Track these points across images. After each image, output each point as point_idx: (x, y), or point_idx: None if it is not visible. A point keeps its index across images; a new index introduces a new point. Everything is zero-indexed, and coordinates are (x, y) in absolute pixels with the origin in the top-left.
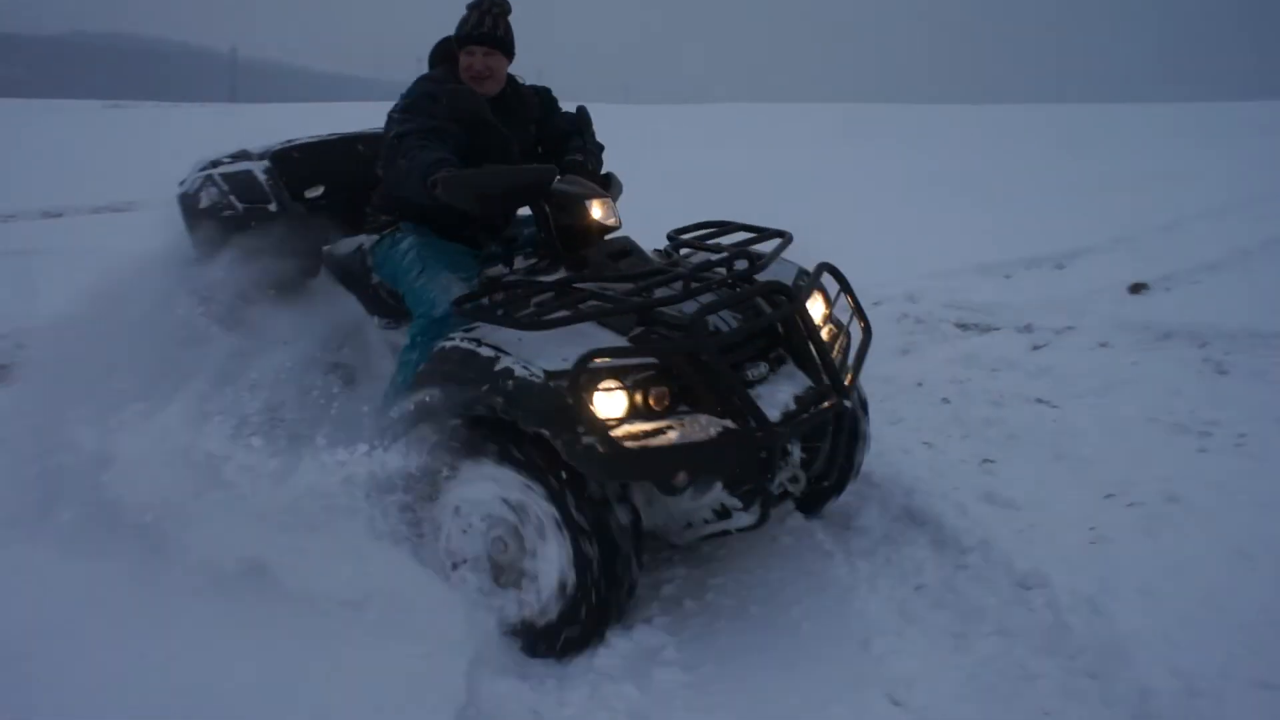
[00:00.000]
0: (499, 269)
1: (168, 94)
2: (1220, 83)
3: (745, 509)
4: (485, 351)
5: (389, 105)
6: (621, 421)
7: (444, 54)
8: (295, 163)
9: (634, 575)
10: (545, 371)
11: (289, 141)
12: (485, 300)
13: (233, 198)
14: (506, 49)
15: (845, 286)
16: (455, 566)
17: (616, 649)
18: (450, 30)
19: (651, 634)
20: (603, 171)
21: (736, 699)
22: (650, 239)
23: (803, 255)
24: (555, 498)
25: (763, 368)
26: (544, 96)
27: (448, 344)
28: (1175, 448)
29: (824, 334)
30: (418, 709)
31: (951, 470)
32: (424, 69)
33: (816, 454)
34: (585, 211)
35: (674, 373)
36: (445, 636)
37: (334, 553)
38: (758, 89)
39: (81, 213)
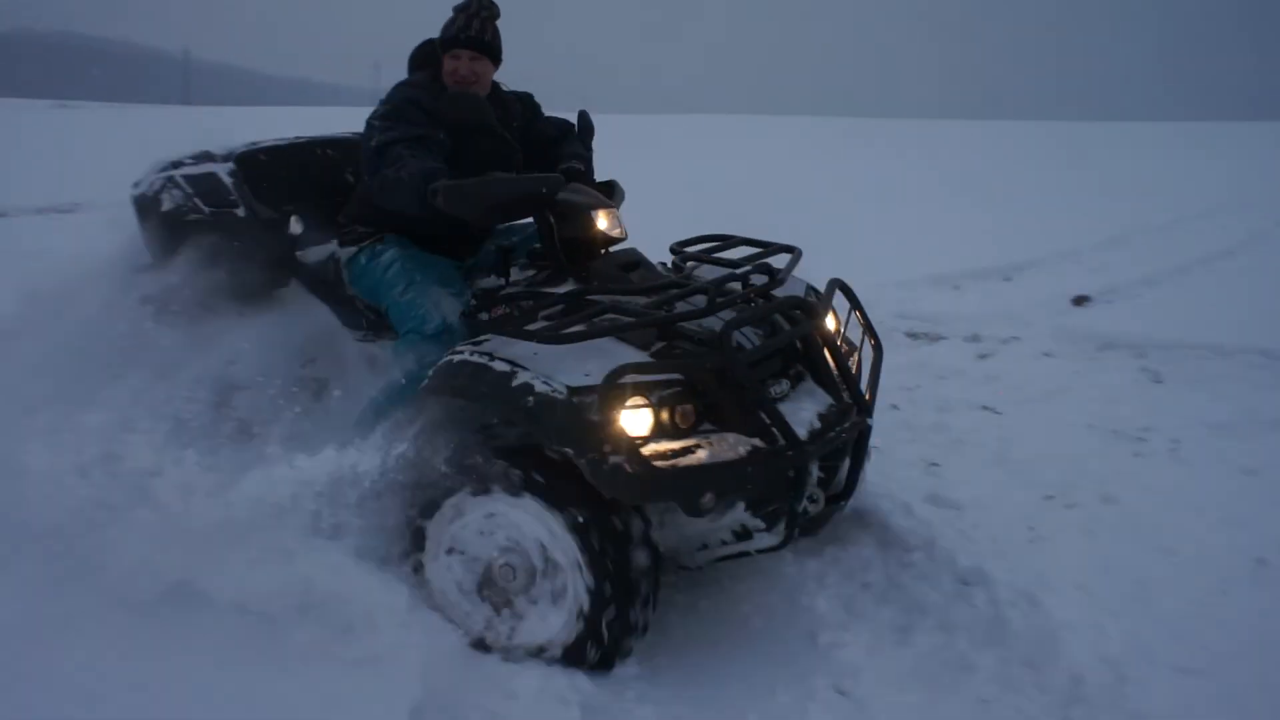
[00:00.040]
0: (491, 280)
1: (118, 95)
2: (1224, 102)
3: (768, 529)
4: (499, 366)
5: (348, 111)
6: (648, 440)
7: (426, 57)
8: (262, 166)
9: (647, 618)
10: (568, 387)
11: (253, 144)
12: (488, 313)
13: (198, 200)
14: (493, 54)
15: (855, 304)
16: (449, 551)
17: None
18: (414, 36)
19: None
20: (601, 179)
21: (688, 689)
22: (644, 250)
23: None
24: (585, 548)
25: (784, 385)
26: (526, 102)
27: (455, 358)
28: (1112, 452)
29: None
30: (366, 710)
31: (898, 473)
32: (382, 75)
33: (833, 473)
34: (590, 222)
35: (699, 390)
36: (396, 638)
37: (269, 561)
38: (745, 100)
39: (25, 213)
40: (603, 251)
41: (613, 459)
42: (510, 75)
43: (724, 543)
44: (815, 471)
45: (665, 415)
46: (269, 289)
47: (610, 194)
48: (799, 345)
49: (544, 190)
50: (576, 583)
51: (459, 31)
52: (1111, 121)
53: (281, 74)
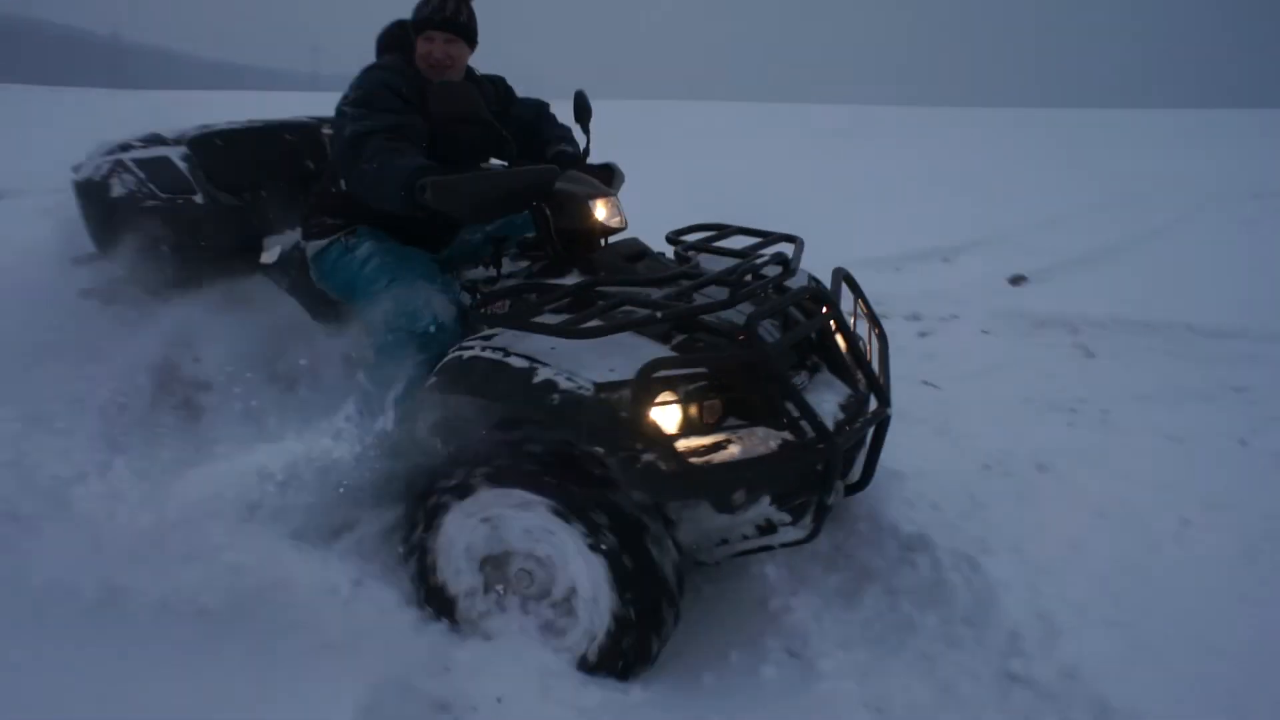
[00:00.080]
0: (480, 271)
1: (44, 77)
2: (1175, 89)
3: (794, 523)
4: (517, 362)
5: (286, 97)
6: (678, 436)
7: (396, 39)
8: (217, 151)
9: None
10: (594, 384)
11: (206, 127)
12: (487, 307)
13: (153, 186)
14: (469, 36)
15: (859, 293)
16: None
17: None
18: (353, 20)
19: None
20: (596, 161)
21: None
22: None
23: None
24: (609, 558)
25: (803, 376)
26: (500, 86)
27: (464, 354)
28: (1047, 423)
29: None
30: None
31: None
32: (319, 60)
33: (850, 462)
34: (588, 213)
35: (725, 384)
36: (344, 624)
37: (205, 556)
38: (709, 88)
39: None
40: (603, 242)
41: (645, 457)
42: (489, 59)
43: (746, 537)
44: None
45: (694, 410)
46: (231, 281)
47: (609, 179)
48: (813, 336)
49: (539, 183)
50: (598, 596)
51: (433, 12)
52: (1065, 108)
53: (215, 58)
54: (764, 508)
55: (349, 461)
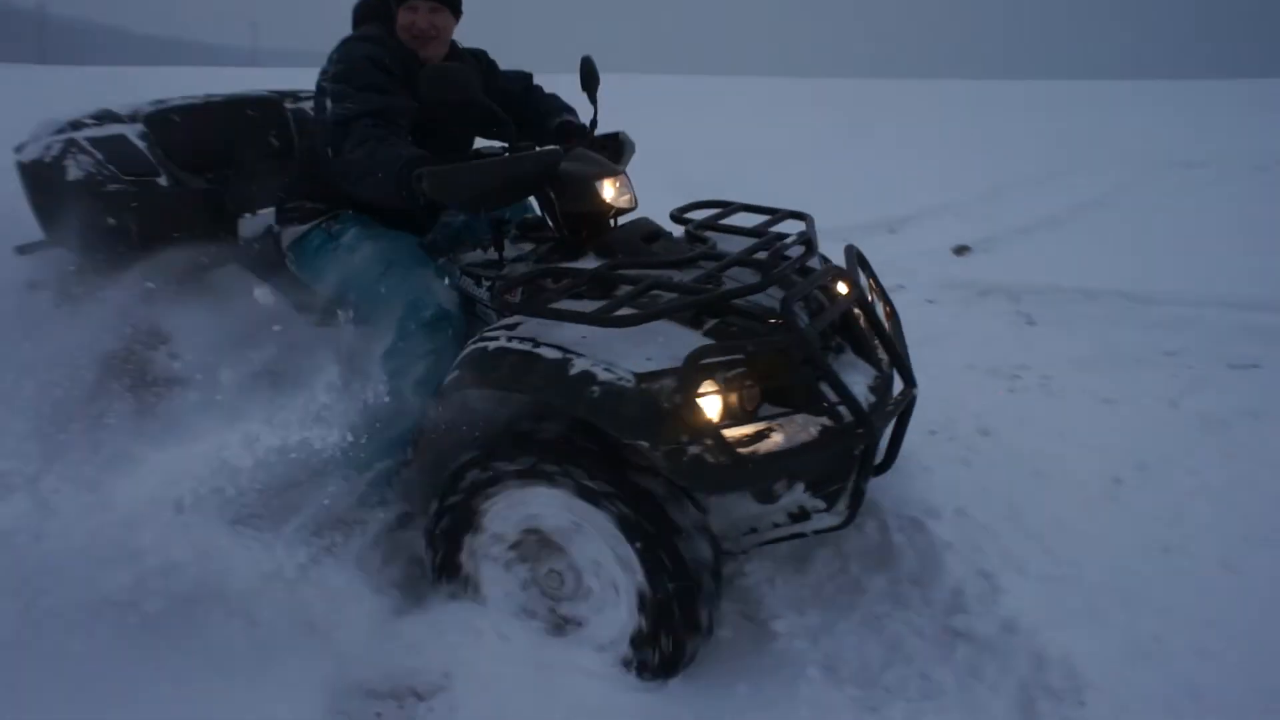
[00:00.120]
0: (477, 254)
1: None
2: (1128, 61)
3: (829, 509)
4: (549, 353)
5: (229, 72)
6: (726, 426)
7: (374, 9)
8: (175, 128)
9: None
10: (635, 374)
11: (161, 103)
12: (508, 293)
13: (113, 168)
14: (454, 6)
15: (869, 271)
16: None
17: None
18: None
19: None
20: (601, 131)
21: None
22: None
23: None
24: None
25: (830, 358)
26: (483, 59)
27: (489, 345)
28: (989, 389)
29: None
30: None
31: None
32: (259, 35)
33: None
34: (595, 194)
35: (762, 370)
36: (300, 618)
37: (151, 558)
38: (680, 61)
39: None
40: (612, 222)
41: (691, 449)
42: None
43: (777, 525)
44: None
45: (734, 399)
46: (202, 271)
47: (619, 151)
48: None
49: (543, 167)
50: (631, 585)
51: None
52: (1023, 79)
53: (147, 32)
54: (797, 495)
55: (334, 454)
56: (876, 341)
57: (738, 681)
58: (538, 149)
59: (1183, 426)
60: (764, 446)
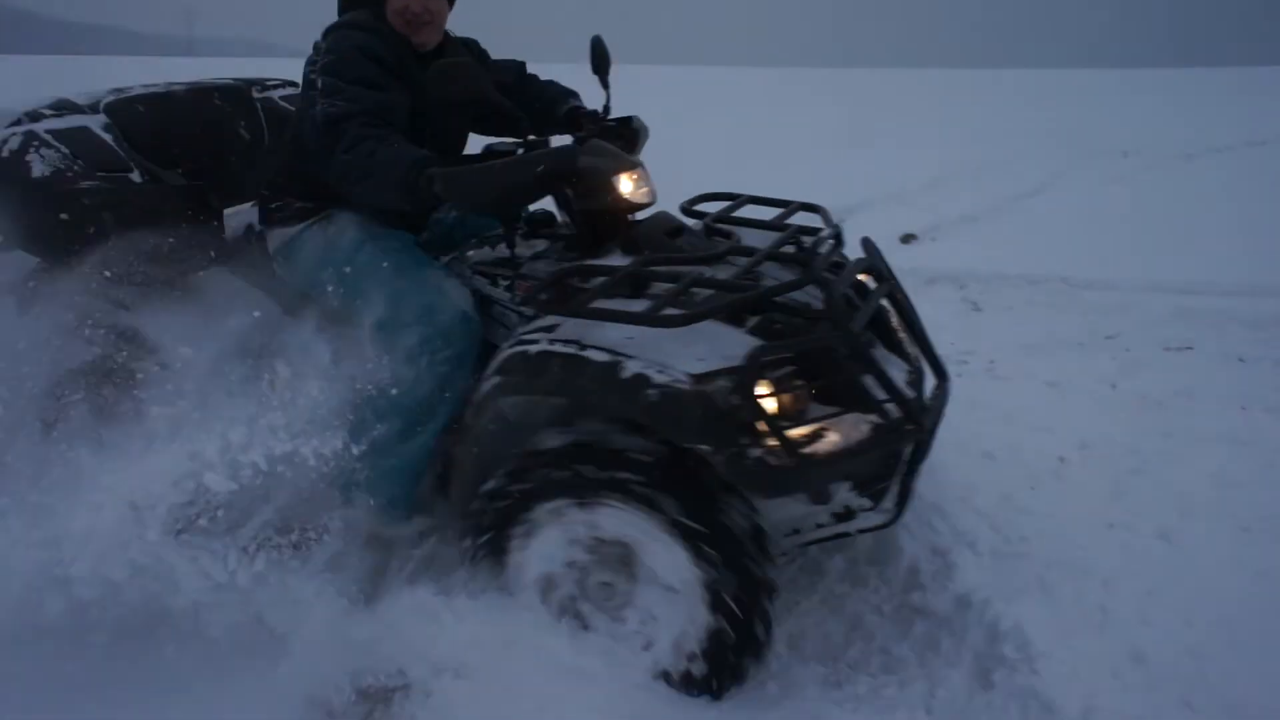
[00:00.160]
0: (484, 252)
1: None
2: (1073, 50)
3: (874, 507)
4: (597, 355)
5: (170, 61)
6: (788, 426)
7: None
8: (140, 118)
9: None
10: (690, 375)
11: (120, 91)
12: (542, 293)
13: (82, 163)
14: None
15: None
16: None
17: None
18: None
19: None
20: (612, 115)
21: None
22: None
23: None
24: (703, 559)
25: None
26: (474, 49)
27: (530, 349)
28: None
29: None
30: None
31: None
32: (194, 24)
33: None
34: (615, 190)
35: (810, 368)
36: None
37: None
38: (643, 52)
39: None
40: (630, 217)
41: (753, 452)
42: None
43: (820, 526)
44: None
45: (788, 398)
46: (185, 274)
47: (634, 139)
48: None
49: (560, 165)
50: (691, 599)
51: None
52: (980, 68)
53: (79, 20)
54: (843, 494)
55: (335, 470)
56: (905, 335)
57: None
58: (554, 145)
59: (1122, 407)
60: (822, 447)
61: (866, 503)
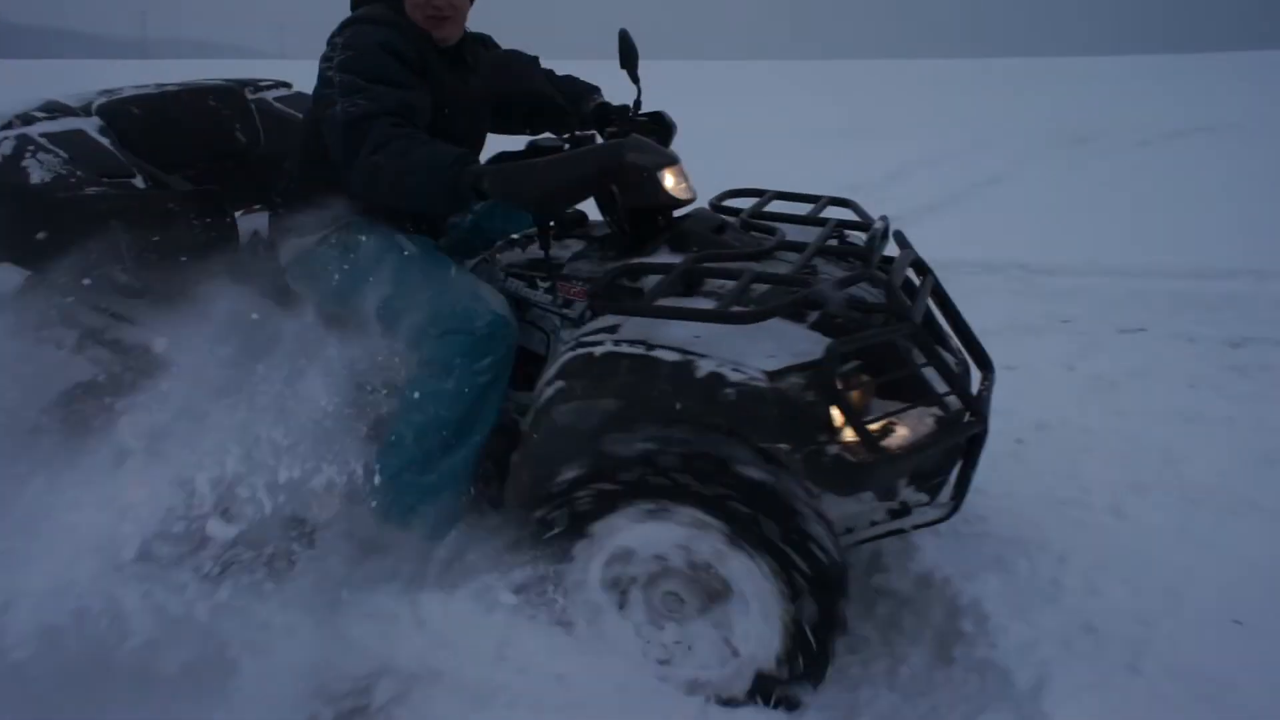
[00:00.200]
0: (515, 254)
1: None
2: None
3: (930, 502)
4: (667, 355)
5: (124, 64)
6: (868, 421)
7: None
8: (136, 121)
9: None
10: (765, 373)
11: (112, 93)
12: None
13: (83, 168)
14: None
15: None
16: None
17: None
18: None
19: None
20: (630, 111)
21: None
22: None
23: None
24: (779, 569)
25: None
26: (490, 45)
27: (596, 350)
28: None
29: None
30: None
31: None
32: (148, 25)
33: None
34: (661, 186)
35: (873, 362)
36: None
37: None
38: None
39: None
40: (669, 213)
41: (831, 448)
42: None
43: (875, 524)
44: None
45: (857, 394)
46: (195, 286)
47: (667, 134)
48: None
49: (610, 161)
50: (757, 619)
51: None
52: (957, 59)
53: (27, 23)
54: (901, 490)
55: (366, 493)
56: (952, 327)
57: None
58: (602, 141)
59: (1078, 389)
60: (895, 441)
61: (924, 498)
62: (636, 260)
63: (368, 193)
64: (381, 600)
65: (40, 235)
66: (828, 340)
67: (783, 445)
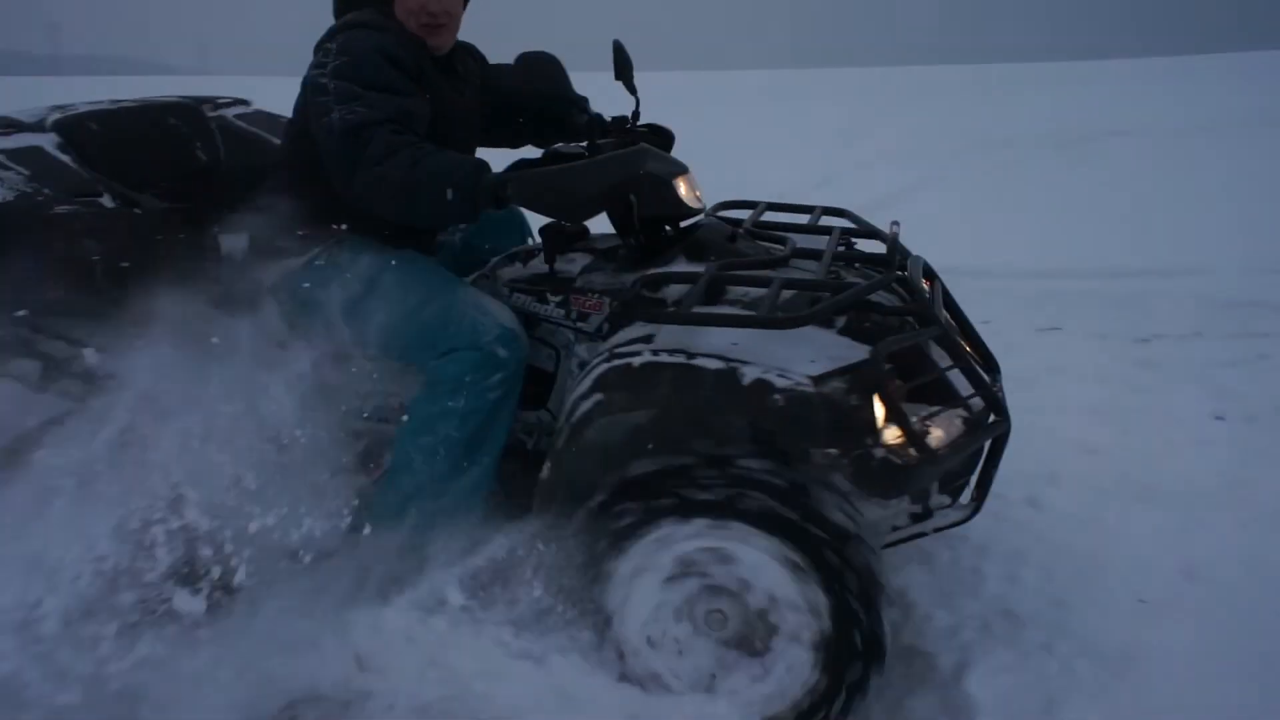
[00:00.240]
0: (515, 268)
1: None
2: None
3: (952, 504)
4: (710, 364)
5: (34, 82)
6: (914, 423)
7: None
8: (96, 138)
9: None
10: (810, 378)
11: (66, 109)
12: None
13: (49, 186)
14: None
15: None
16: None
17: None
18: None
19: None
20: (636, 123)
21: None
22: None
23: None
24: (829, 582)
25: None
26: (475, 54)
27: (634, 361)
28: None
29: None
30: None
31: None
32: (61, 39)
33: None
34: (676, 195)
35: (902, 365)
36: None
37: None
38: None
39: None
40: (676, 223)
41: (877, 451)
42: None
43: (896, 529)
44: None
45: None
46: (171, 311)
47: (669, 145)
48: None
49: (630, 170)
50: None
51: None
52: (869, 67)
53: None
54: (933, 492)
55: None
56: (964, 333)
57: None
58: (627, 148)
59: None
60: (936, 442)
61: (945, 499)
62: (664, 269)
63: (371, 205)
64: (306, 626)
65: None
66: (858, 344)
67: (832, 450)
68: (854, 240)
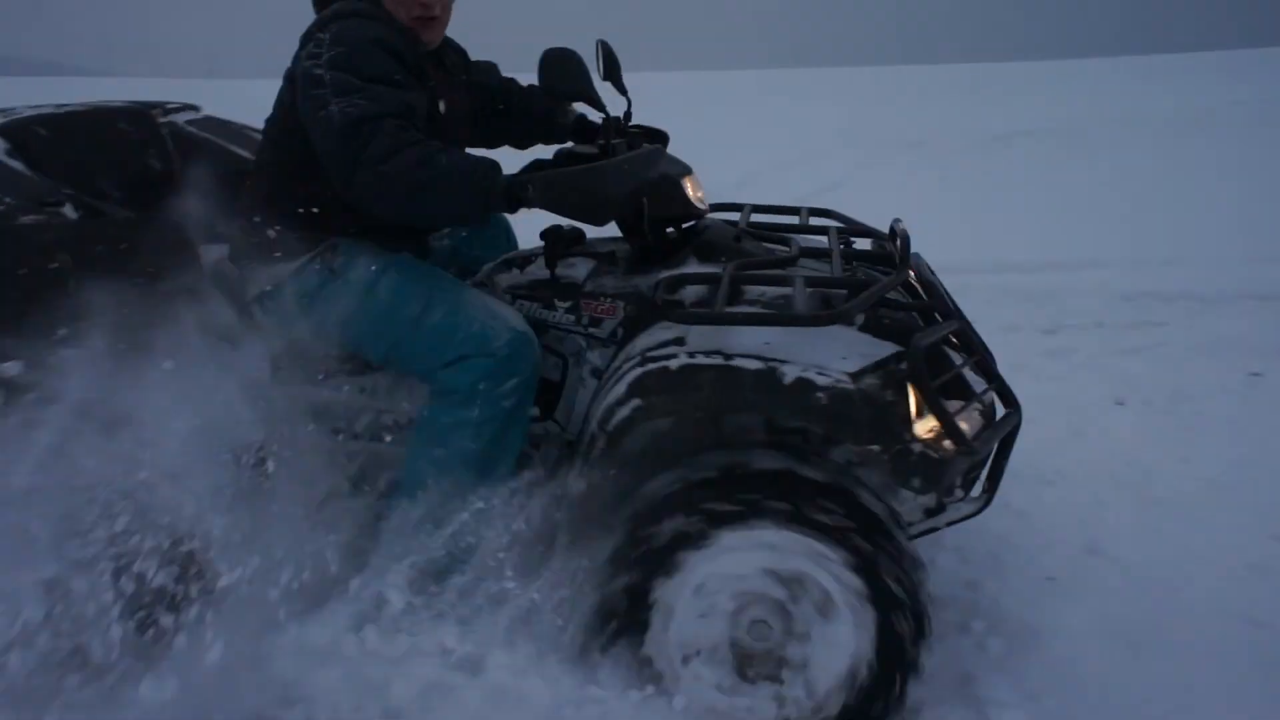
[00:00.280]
0: (512, 275)
1: None
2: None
3: (964, 497)
4: (749, 364)
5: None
6: (954, 416)
7: None
8: (45, 143)
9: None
10: (849, 374)
11: (7, 112)
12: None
13: (9, 195)
14: None
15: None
16: (686, 660)
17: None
18: None
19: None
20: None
21: None
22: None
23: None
24: (861, 564)
25: None
26: (460, 51)
27: (671, 364)
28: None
29: None
30: None
31: None
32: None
33: None
34: (685, 195)
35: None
36: None
37: None
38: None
39: None
40: (678, 226)
41: (915, 445)
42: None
43: (910, 523)
44: None
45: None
46: (148, 328)
47: (666, 145)
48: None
49: (646, 170)
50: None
51: None
52: (789, 68)
53: None
54: (957, 485)
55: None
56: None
57: None
58: (645, 148)
59: None
60: (968, 435)
61: (959, 493)
62: (678, 270)
63: (372, 204)
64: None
65: None
66: (880, 341)
67: (874, 446)
68: (852, 239)
